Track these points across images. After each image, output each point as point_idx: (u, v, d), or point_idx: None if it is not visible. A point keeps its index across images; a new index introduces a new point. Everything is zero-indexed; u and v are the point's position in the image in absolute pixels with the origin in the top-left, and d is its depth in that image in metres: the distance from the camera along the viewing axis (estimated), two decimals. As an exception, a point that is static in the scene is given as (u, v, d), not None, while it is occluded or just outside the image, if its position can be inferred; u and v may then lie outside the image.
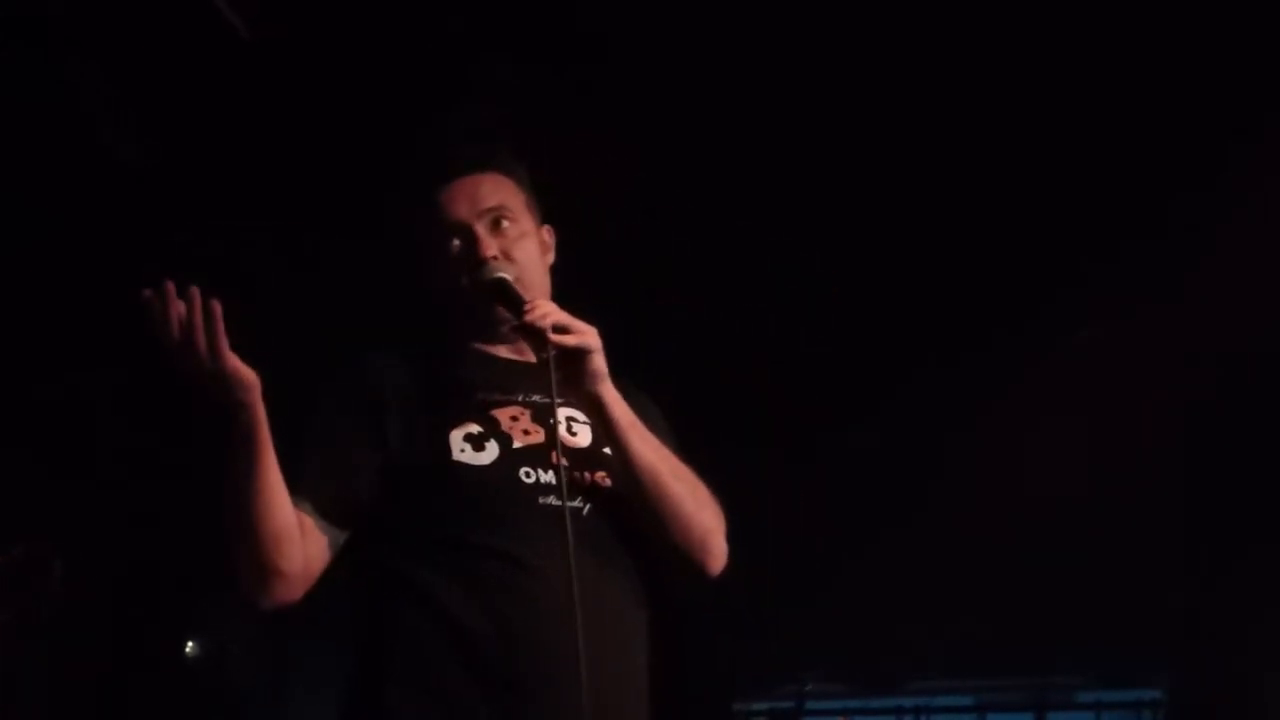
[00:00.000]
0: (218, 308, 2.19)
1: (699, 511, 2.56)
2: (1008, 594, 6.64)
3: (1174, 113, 4.78)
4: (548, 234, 2.70)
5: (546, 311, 2.45)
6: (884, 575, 6.77)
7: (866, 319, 5.79)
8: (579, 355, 2.44)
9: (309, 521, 2.40)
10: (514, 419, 2.52)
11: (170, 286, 2.17)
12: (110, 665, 6.14)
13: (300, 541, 2.37)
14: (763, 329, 5.80)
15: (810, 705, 8.04)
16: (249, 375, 2.25)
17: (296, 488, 2.38)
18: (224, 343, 2.21)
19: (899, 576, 6.77)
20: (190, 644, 6.59)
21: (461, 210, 2.60)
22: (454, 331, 2.64)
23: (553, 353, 2.41)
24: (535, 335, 2.44)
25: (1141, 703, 7.85)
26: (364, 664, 2.46)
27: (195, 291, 2.18)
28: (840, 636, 7.28)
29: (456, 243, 2.59)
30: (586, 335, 2.46)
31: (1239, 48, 4.48)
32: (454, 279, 2.58)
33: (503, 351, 2.63)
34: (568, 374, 2.44)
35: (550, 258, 2.69)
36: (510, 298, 2.52)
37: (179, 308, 2.18)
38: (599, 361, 2.47)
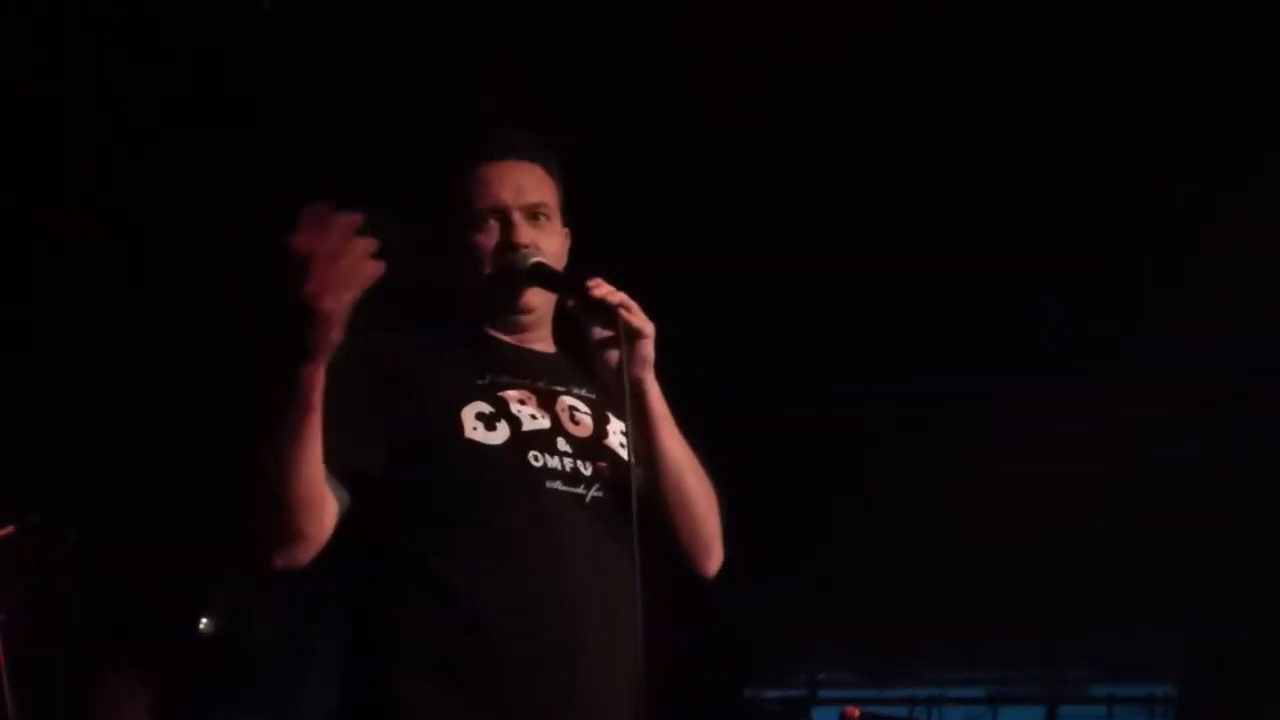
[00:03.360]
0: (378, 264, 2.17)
1: (710, 513, 2.63)
2: (1022, 587, 6.63)
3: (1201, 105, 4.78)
4: (567, 237, 2.72)
5: (611, 289, 2.49)
6: (899, 565, 6.77)
7: (878, 303, 5.78)
8: (636, 337, 2.49)
9: (328, 486, 2.38)
10: (522, 402, 2.55)
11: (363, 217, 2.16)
12: (123, 638, 6.15)
13: (326, 506, 2.37)
14: (778, 312, 5.80)
15: (822, 694, 8.03)
16: (339, 335, 2.21)
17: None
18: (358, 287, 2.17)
19: (914, 567, 6.77)
20: (204, 620, 6.60)
21: (505, 195, 2.61)
22: (462, 312, 2.66)
23: (622, 326, 2.45)
24: (601, 310, 2.48)
25: (1154, 698, 7.85)
26: (367, 640, 2.46)
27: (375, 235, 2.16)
28: (854, 626, 7.27)
29: (493, 223, 2.60)
30: (644, 320, 2.51)
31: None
32: (479, 259, 2.60)
33: (510, 337, 2.66)
34: (620, 355, 2.48)
35: (564, 260, 2.70)
36: (557, 278, 2.57)
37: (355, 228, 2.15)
38: (650, 348, 2.52)
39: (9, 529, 3.89)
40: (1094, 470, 6.16)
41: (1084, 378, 5.94)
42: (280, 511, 2.29)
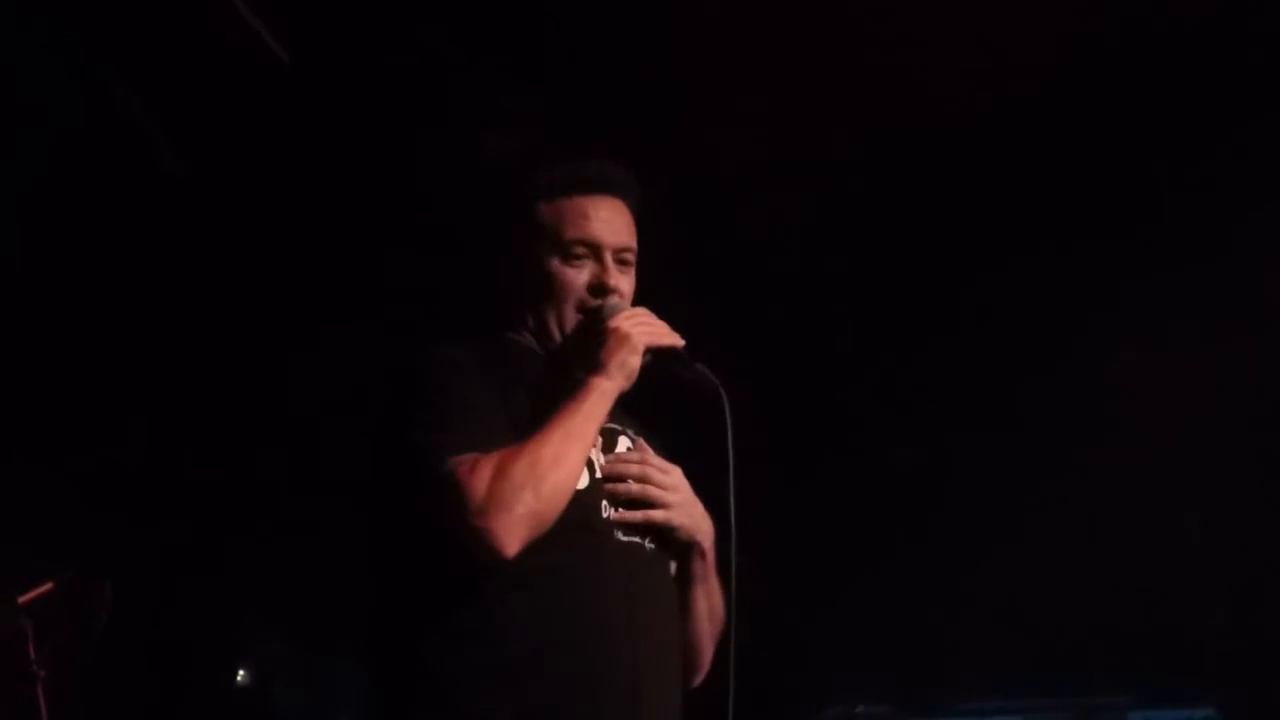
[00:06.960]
0: None
1: (709, 645, 2.68)
2: (1057, 613, 6.59)
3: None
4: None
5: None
6: (932, 595, 6.73)
7: (912, 337, 5.76)
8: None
9: None
10: (593, 444, 2.52)
11: None
12: (158, 693, 6.15)
13: None
14: (810, 352, 5.78)
15: (861, 727, 7.99)
16: None
17: (486, 435, 2.37)
18: None
19: (947, 597, 6.73)
20: (241, 673, 6.60)
21: (601, 231, 2.59)
22: (523, 331, 2.63)
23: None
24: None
25: (1192, 722, 7.78)
26: (418, 686, 2.43)
27: None
28: (890, 657, 7.23)
29: (584, 258, 2.58)
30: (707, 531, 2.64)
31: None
32: (564, 293, 2.58)
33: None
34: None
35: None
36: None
37: None
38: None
39: (47, 585, 3.90)
40: (1125, 493, 6.13)
41: (1111, 402, 5.91)
42: (556, 505, 2.36)
